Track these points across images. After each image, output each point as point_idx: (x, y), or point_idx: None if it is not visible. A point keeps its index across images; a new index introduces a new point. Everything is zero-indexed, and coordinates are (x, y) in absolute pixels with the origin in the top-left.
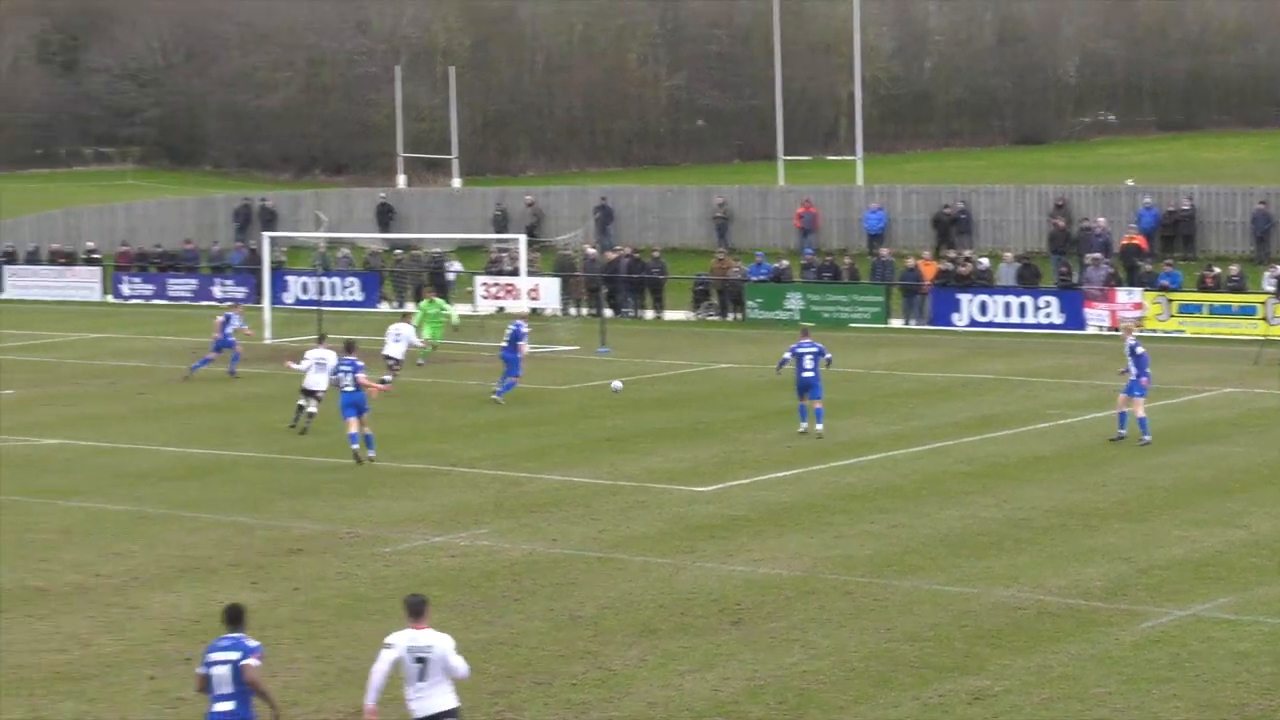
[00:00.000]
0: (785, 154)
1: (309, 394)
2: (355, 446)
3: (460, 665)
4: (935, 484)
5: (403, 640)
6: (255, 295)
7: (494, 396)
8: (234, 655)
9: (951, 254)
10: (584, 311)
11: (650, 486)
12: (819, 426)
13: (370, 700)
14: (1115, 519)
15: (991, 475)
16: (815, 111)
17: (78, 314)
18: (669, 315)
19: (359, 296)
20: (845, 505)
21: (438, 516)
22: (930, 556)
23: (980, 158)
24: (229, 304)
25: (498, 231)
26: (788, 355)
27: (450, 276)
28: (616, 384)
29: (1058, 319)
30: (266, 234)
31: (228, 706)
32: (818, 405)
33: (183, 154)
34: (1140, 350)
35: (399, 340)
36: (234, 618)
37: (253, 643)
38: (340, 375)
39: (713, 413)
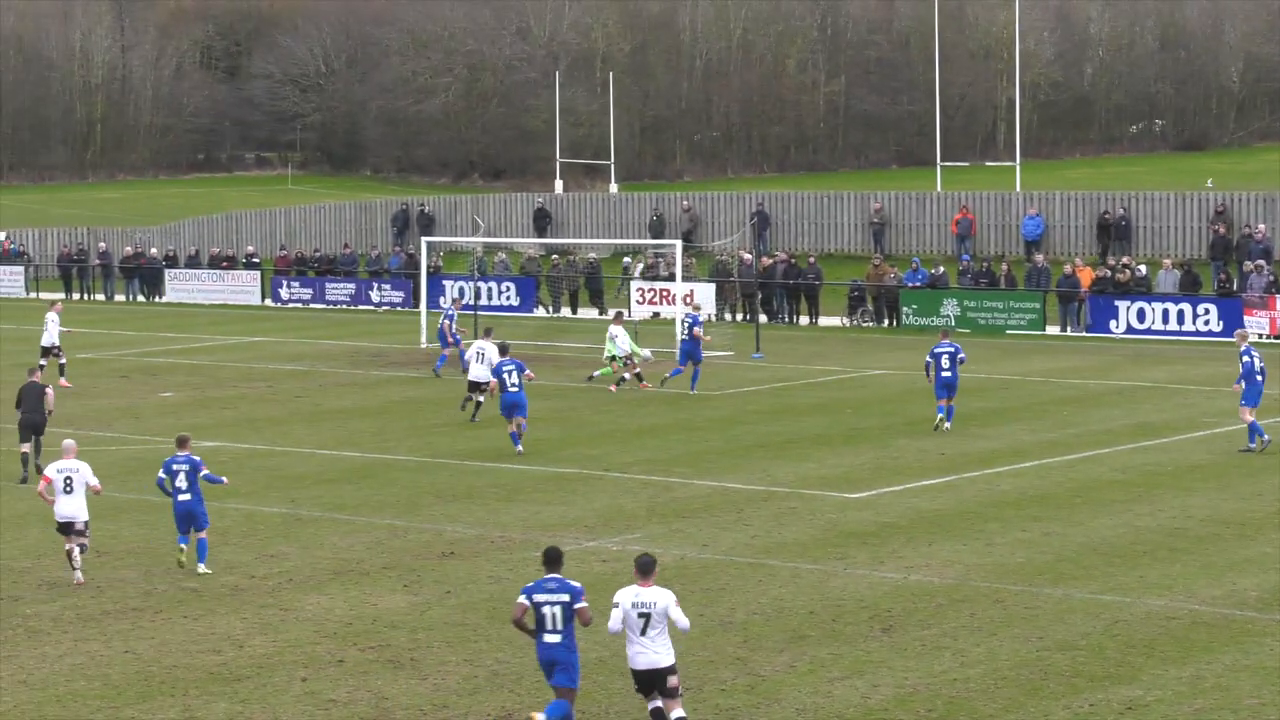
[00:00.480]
0: (943, 160)
1: (475, 386)
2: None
3: (681, 618)
4: (1089, 492)
5: (628, 597)
6: (412, 300)
7: (689, 390)
8: (564, 597)
9: (1110, 261)
10: (740, 317)
11: (803, 492)
12: (948, 424)
13: (614, 626)
14: (1271, 529)
15: (1146, 484)
16: (974, 117)
17: (236, 317)
18: (824, 321)
19: (515, 301)
20: (998, 513)
21: (590, 521)
22: (1083, 565)
23: (1140, 164)
24: (451, 301)
25: (654, 237)
26: (929, 359)
27: (638, 273)
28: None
29: (1216, 326)
30: (425, 239)
31: (555, 639)
32: (950, 403)
33: (342, 159)
34: (1248, 359)
35: (614, 341)
36: (553, 559)
37: (575, 584)
38: (503, 375)
39: (866, 419)
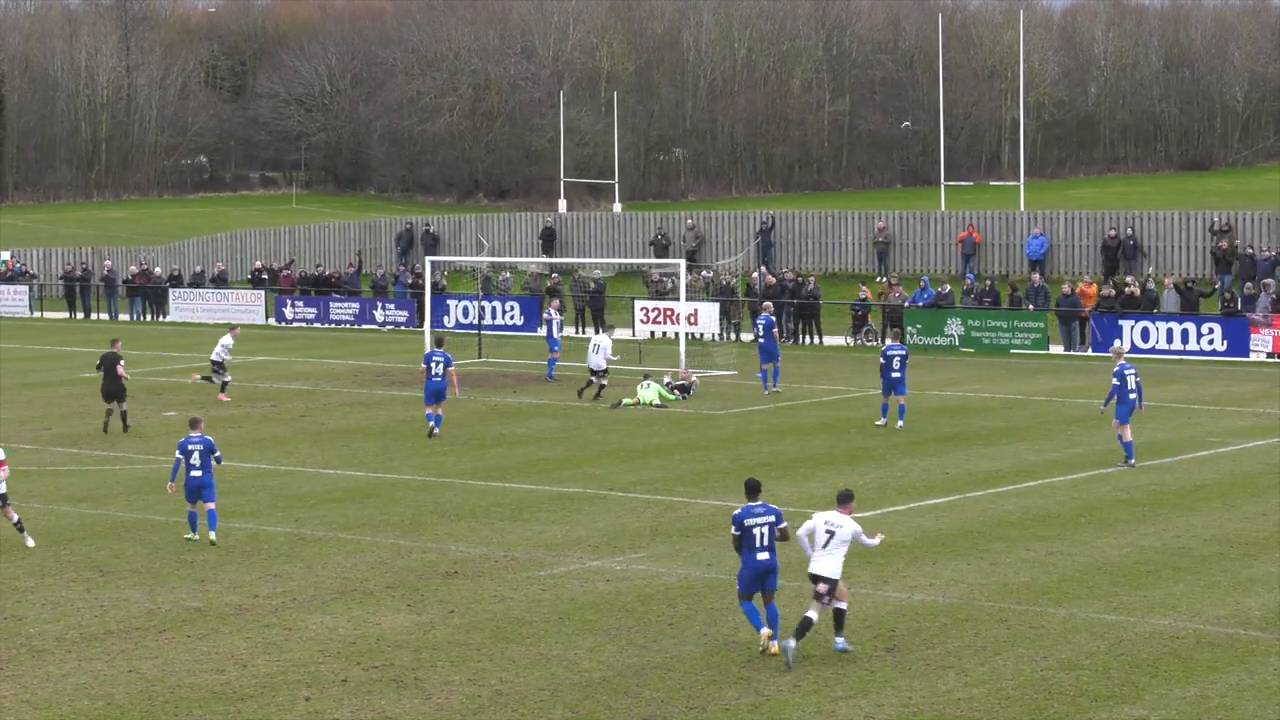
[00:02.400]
0: (947, 179)
1: (595, 373)
2: (432, 424)
3: (869, 540)
4: (1093, 512)
5: (823, 516)
6: (416, 319)
7: (774, 389)
8: (770, 518)
9: (1114, 280)
10: (744, 337)
11: (807, 512)
12: (900, 423)
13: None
14: (1276, 548)
15: (1151, 503)
16: (978, 137)
17: (240, 337)
18: (828, 341)
19: (519, 320)
20: (1003, 532)
21: (594, 540)
22: (1087, 585)
23: (1145, 183)
24: (554, 301)
25: (658, 256)
26: (882, 360)
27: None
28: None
29: (1220, 346)
30: (429, 258)
31: (766, 556)
32: (901, 401)
33: (347, 178)
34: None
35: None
36: (755, 489)
37: (776, 508)
38: (430, 364)
39: (870, 439)
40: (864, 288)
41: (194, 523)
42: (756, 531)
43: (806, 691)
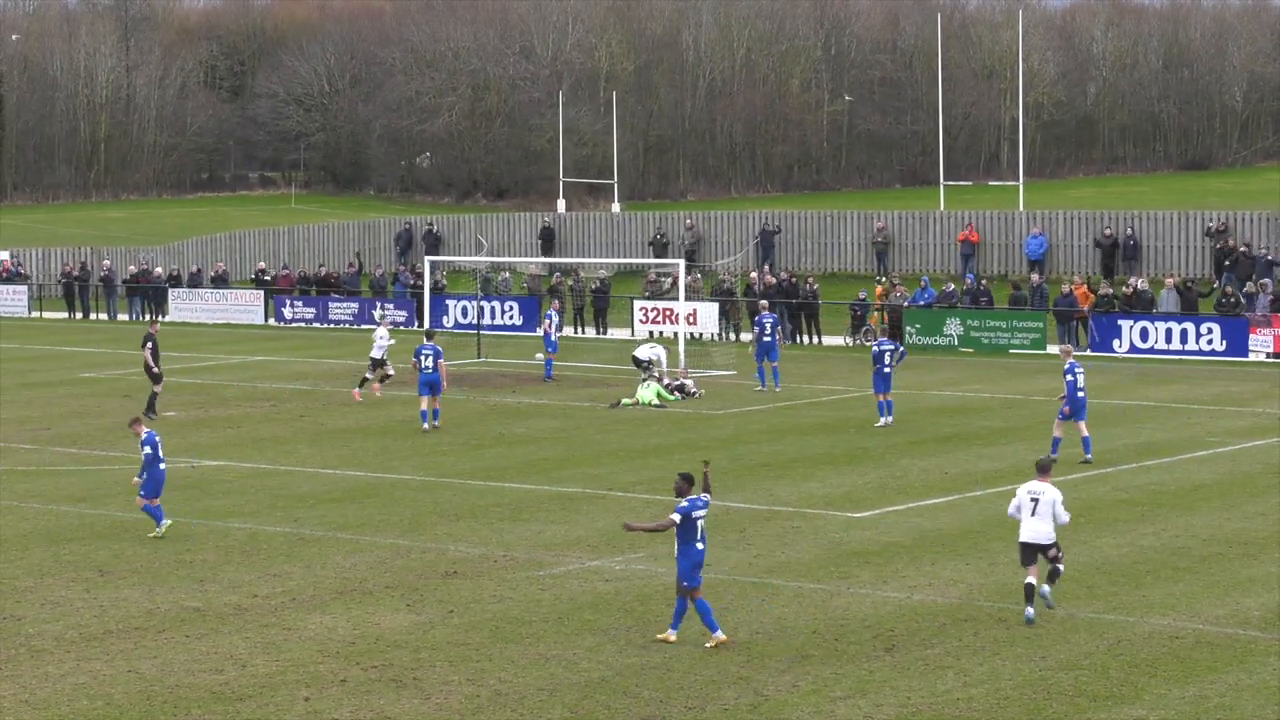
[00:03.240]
0: (947, 179)
1: (640, 364)
2: (431, 421)
3: (1064, 514)
4: (1093, 511)
5: (1026, 486)
6: (415, 319)
7: (774, 389)
8: (706, 510)
9: (1112, 281)
10: (744, 337)
11: (806, 512)
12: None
13: (1012, 510)
14: (1275, 548)
15: (1150, 503)
16: (978, 137)
17: (240, 337)
18: (826, 341)
19: (518, 321)
20: (1002, 532)
21: (593, 540)
22: (1086, 584)
23: (1144, 183)
24: (554, 302)
25: (657, 256)
26: (874, 357)
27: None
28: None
29: (1219, 346)
30: (429, 257)
31: (702, 546)
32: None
33: (346, 178)
34: (1071, 378)
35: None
36: (692, 480)
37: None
38: (420, 358)
39: (869, 439)
40: (863, 294)
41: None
42: (699, 524)
43: (805, 691)
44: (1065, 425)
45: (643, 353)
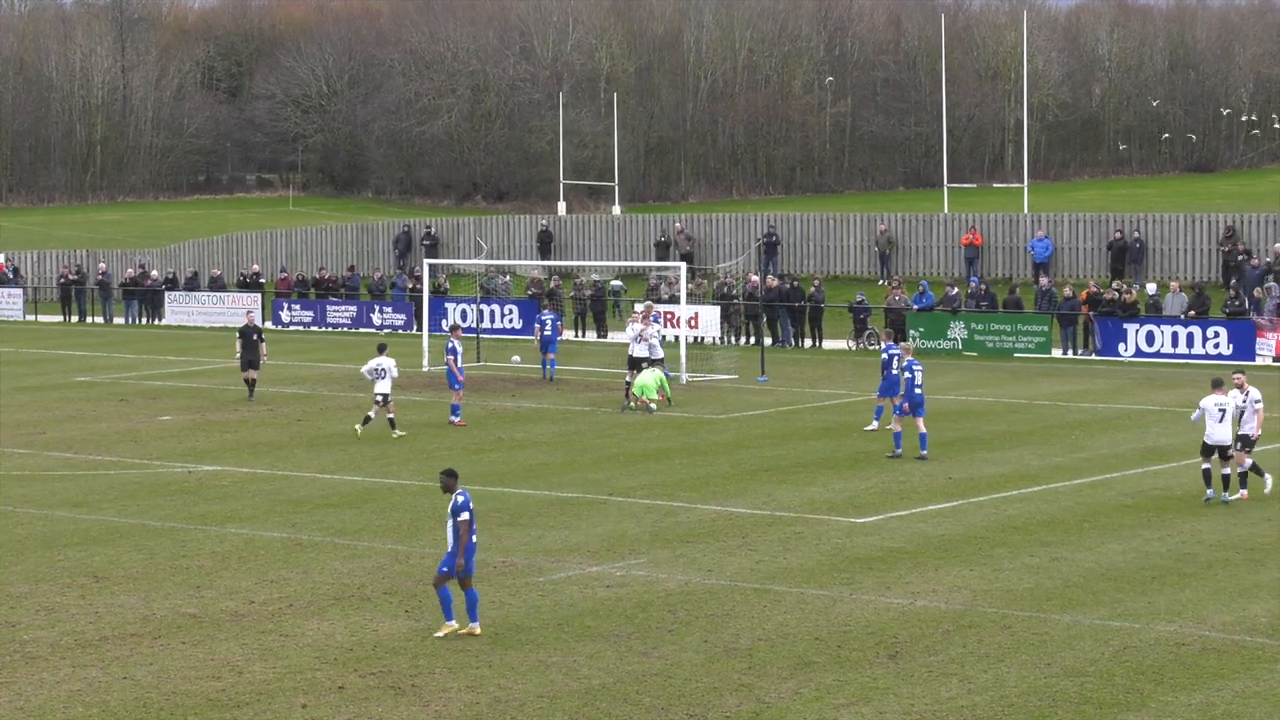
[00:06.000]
0: (950, 181)
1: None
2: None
3: (1252, 419)
4: (1098, 517)
5: (1210, 399)
6: (414, 322)
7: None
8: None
9: (1116, 284)
10: (747, 340)
11: (808, 517)
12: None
13: (1194, 417)
14: None
15: (1156, 508)
16: (981, 138)
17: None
18: (829, 344)
19: (518, 324)
20: (1006, 538)
21: (593, 546)
22: (1092, 590)
23: (1149, 186)
24: (547, 304)
25: (658, 259)
26: (885, 360)
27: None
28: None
29: (1226, 350)
30: (428, 260)
31: (476, 539)
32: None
33: (344, 180)
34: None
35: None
36: (456, 474)
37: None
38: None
39: (872, 443)
40: (861, 296)
41: None
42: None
43: (808, 699)
44: (905, 420)
45: (639, 351)
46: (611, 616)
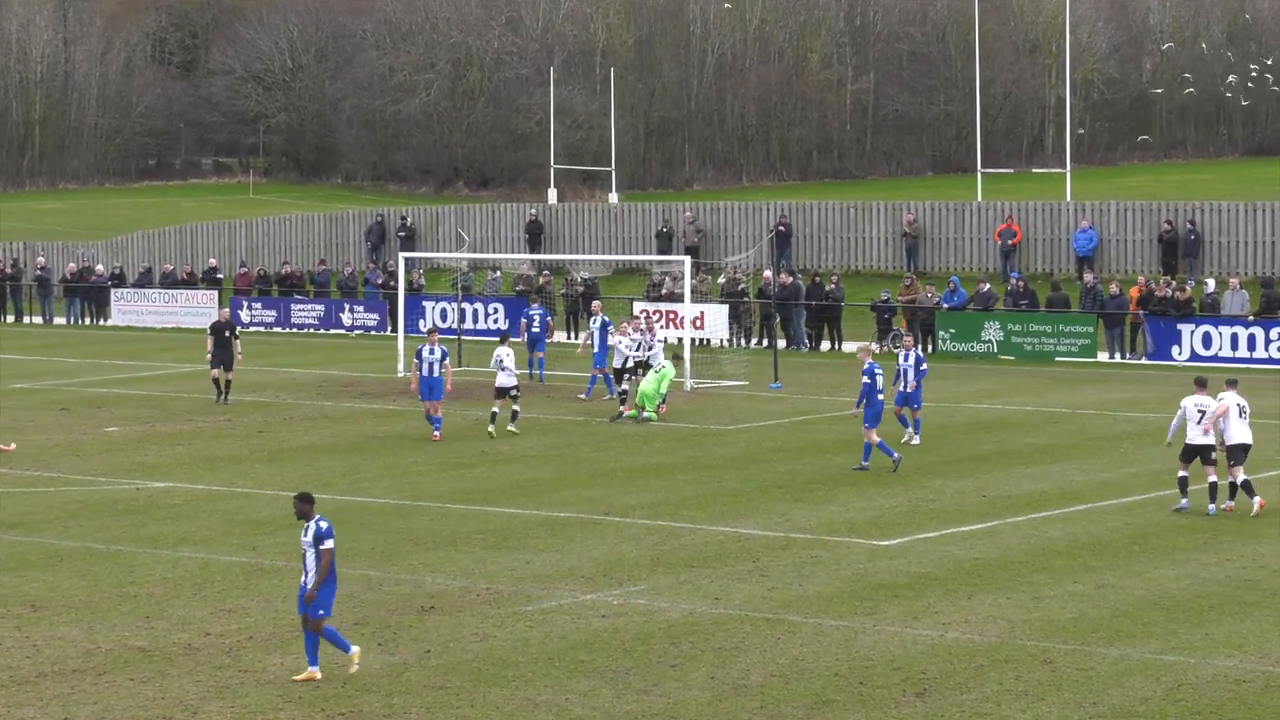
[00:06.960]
0: (984, 166)
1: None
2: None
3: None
4: (1148, 539)
5: (1190, 399)
6: (388, 323)
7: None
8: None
9: (1168, 280)
10: (756, 342)
11: (827, 539)
12: (915, 438)
13: (1170, 438)
14: None
15: (1213, 530)
16: (1019, 118)
17: (191, 342)
18: (849, 347)
19: (504, 324)
20: (1046, 562)
21: (588, 571)
22: (1142, 621)
23: (1205, 170)
24: (534, 299)
25: (660, 252)
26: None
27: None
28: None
29: None
30: (404, 254)
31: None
32: (916, 416)
33: (311, 165)
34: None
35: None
36: (311, 499)
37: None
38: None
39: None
40: (885, 295)
41: None
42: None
43: None
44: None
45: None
46: (608, 650)
